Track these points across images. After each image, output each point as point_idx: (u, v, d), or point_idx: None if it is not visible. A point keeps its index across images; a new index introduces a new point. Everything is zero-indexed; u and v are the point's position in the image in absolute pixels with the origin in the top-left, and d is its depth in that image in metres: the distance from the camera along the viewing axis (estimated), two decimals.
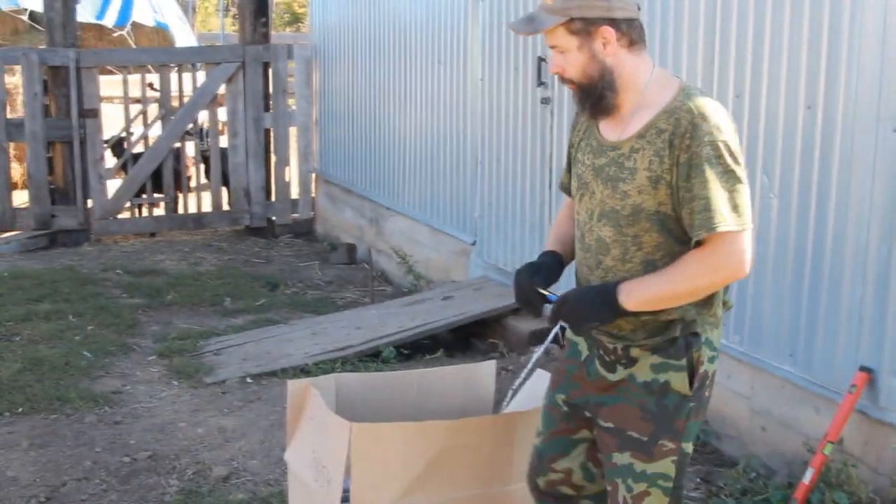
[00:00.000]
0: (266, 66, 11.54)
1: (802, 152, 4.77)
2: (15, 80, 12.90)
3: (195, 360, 6.99)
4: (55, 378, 6.57)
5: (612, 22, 2.92)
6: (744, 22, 5.07)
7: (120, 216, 11.48)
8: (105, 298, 8.59)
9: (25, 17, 16.02)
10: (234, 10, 26.72)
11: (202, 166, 12.14)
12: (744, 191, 2.85)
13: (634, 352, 3.04)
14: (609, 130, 3.07)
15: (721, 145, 2.83)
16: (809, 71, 4.72)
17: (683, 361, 2.98)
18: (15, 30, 16.20)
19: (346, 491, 3.36)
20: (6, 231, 11.14)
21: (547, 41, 3.02)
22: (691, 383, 2.99)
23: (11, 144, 11.38)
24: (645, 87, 2.98)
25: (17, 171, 12.99)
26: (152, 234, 11.74)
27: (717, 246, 2.84)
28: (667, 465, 3.02)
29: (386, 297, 8.78)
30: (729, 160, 2.83)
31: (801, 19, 4.74)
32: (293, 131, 11.90)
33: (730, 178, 2.83)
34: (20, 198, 11.90)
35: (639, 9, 3.00)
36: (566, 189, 3.37)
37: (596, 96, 2.99)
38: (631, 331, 3.03)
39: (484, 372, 4.06)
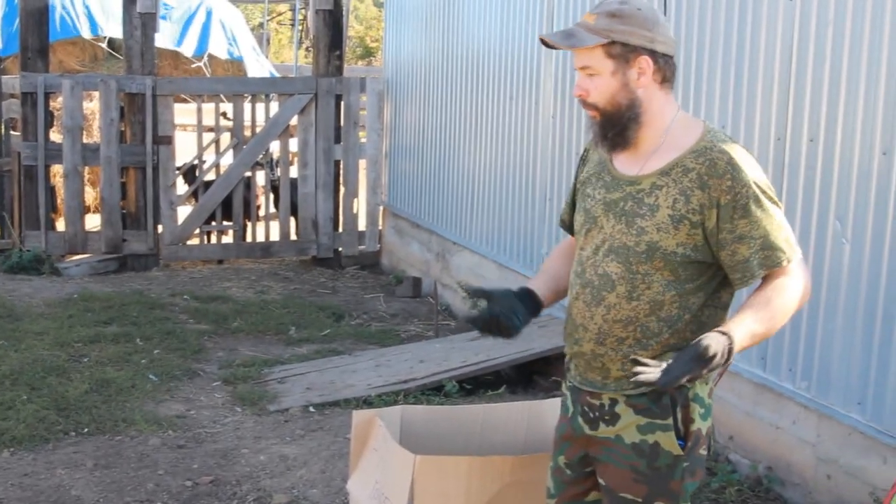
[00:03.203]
0: (338, 98, 11.64)
1: (876, 198, 4.72)
2: (92, 105, 13.12)
3: (259, 387, 7.04)
4: (121, 400, 6.65)
5: (652, 54, 2.89)
6: (820, 65, 5.04)
7: (189, 243, 11.61)
8: (172, 323, 8.67)
9: (104, 45, 16.29)
10: (307, 43, 27.02)
11: (271, 196, 12.26)
12: (784, 220, 2.92)
13: (619, 408, 2.97)
14: (626, 165, 3.00)
15: (762, 184, 2.87)
16: (886, 116, 4.68)
17: (669, 420, 2.91)
18: (94, 57, 16.46)
19: None
20: (77, 253, 11.30)
21: (577, 62, 2.95)
22: (685, 441, 2.92)
23: (86, 168, 11.55)
24: (669, 125, 2.94)
25: (90, 195, 13.18)
26: (220, 262, 11.84)
27: (793, 275, 2.89)
28: None
29: (450, 331, 8.78)
30: (770, 194, 2.88)
31: (879, 64, 4.70)
32: (363, 164, 11.98)
33: (775, 211, 2.88)
34: (92, 221, 12.06)
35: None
36: (567, 225, 3.32)
37: (620, 127, 2.93)
38: (618, 378, 2.96)
39: (548, 409, 4.04)
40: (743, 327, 2.81)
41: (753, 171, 2.87)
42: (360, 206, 11.97)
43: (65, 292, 9.70)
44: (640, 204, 2.92)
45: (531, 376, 7.19)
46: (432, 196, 10.38)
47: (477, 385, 6.97)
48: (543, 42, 2.98)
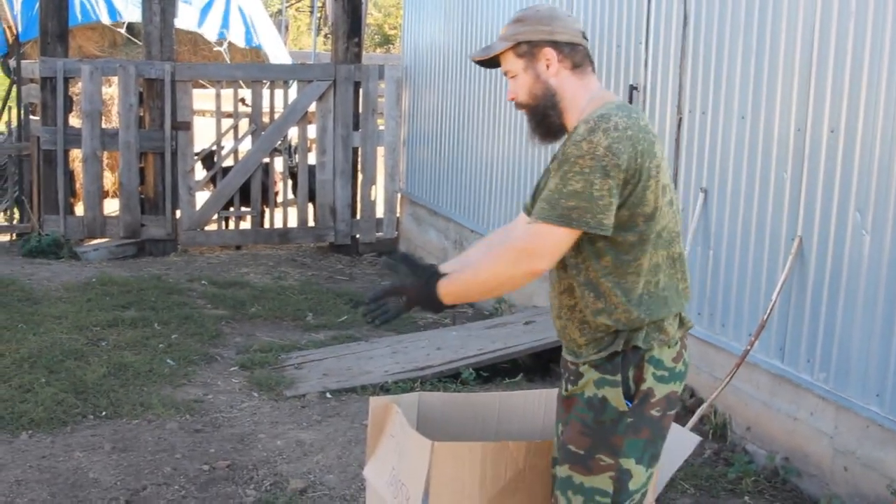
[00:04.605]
0: (357, 85, 11.65)
1: None
2: (111, 90, 13.15)
3: (276, 372, 7.06)
4: (139, 384, 6.68)
5: (555, 44, 3.11)
6: (841, 55, 5.02)
7: (207, 228, 11.64)
8: (190, 308, 8.70)
9: (123, 30, 16.31)
10: (326, 30, 27.02)
11: (289, 182, 12.28)
12: (590, 193, 2.88)
13: (583, 368, 3.12)
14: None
15: (585, 146, 2.89)
16: None
17: (618, 377, 3.04)
18: (113, 42, 16.48)
19: None
20: (96, 238, 11.34)
21: (502, 68, 3.20)
22: (631, 399, 3.02)
23: (105, 153, 11.58)
24: (584, 107, 3.09)
25: (108, 180, 13.22)
26: (238, 247, 11.88)
27: (527, 234, 2.98)
28: (604, 481, 3.05)
29: (467, 319, 8.79)
30: (587, 161, 2.88)
31: None
32: (381, 151, 11.99)
33: (581, 178, 2.89)
34: (110, 206, 12.10)
35: (584, 37, 3.16)
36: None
37: (540, 115, 3.15)
38: (585, 345, 3.11)
39: None
40: (454, 273, 3.13)
41: (590, 136, 2.89)
42: (378, 193, 11.98)
43: (83, 276, 9.73)
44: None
45: (548, 364, 7.19)
46: (450, 184, 10.38)
47: (494, 373, 6.98)
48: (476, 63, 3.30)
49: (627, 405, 3.02)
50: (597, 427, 3.04)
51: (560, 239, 2.92)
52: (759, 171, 5.60)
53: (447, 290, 3.09)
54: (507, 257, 2.98)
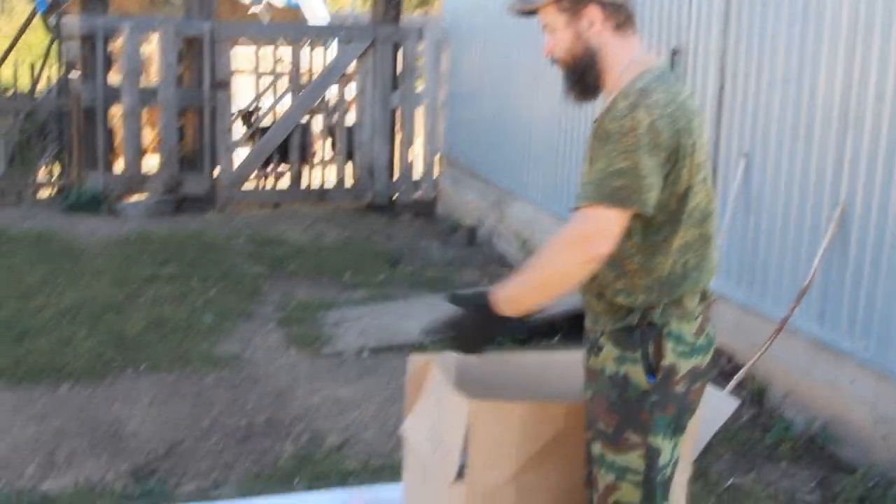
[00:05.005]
0: (396, 45, 11.62)
1: None
2: (151, 48, 13.17)
3: (314, 329, 7.08)
4: (177, 339, 6.73)
5: (600, 3, 2.96)
6: (888, 18, 4.95)
7: (245, 185, 11.67)
8: (228, 265, 8.75)
9: None
10: None
11: (328, 141, 12.30)
12: (637, 172, 2.78)
13: (602, 340, 3.06)
14: (598, 109, 3.07)
15: (628, 124, 2.78)
16: None
17: (638, 354, 2.97)
18: (152, 1, 16.50)
19: (462, 465, 3.37)
20: (135, 194, 11.39)
21: (541, 21, 3.05)
22: (654, 376, 2.96)
23: (144, 110, 11.62)
24: (623, 71, 2.97)
25: (147, 137, 13.27)
26: (276, 205, 11.91)
27: (578, 219, 2.85)
28: (634, 459, 3.01)
29: (504, 280, 8.77)
30: (631, 139, 2.78)
31: None
32: (420, 112, 11.96)
33: (626, 156, 2.78)
34: (150, 163, 12.15)
35: None
36: None
37: (578, 75, 3.02)
38: (602, 312, 3.06)
39: None
40: (511, 280, 3.04)
41: (632, 112, 2.80)
42: (417, 153, 11.97)
43: (122, 231, 9.81)
44: (589, 149, 2.99)
45: (585, 326, 7.17)
46: (489, 145, 10.35)
47: (531, 334, 6.97)
48: (513, 13, 3.13)
49: (650, 381, 2.96)
50: (622, 404, 3.00)
51: (616, 220, 2.81)
52: (802, 136, 5.55)
53: (505, 297, 3.03)
54: (563, 246, 2.89)
